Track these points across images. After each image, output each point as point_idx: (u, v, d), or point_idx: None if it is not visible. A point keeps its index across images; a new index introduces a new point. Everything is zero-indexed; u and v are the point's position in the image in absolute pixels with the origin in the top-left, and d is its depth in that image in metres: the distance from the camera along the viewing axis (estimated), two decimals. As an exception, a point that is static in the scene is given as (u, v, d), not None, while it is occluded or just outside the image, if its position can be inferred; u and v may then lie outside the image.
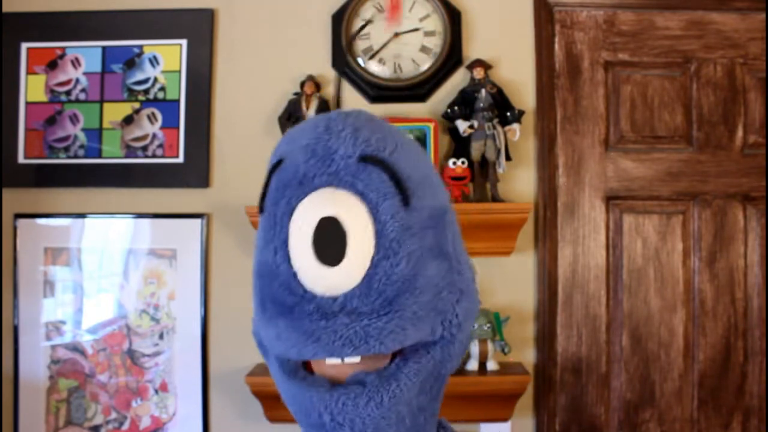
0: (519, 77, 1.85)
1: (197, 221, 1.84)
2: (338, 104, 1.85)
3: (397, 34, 1.82)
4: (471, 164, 1.74)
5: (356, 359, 0.63)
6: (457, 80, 1.85)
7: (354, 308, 0.61)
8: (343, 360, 0.63)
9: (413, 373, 0.65)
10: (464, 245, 0.73)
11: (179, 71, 1.86)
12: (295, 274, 0.63)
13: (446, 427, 0.76)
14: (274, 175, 0.66)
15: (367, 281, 0.62)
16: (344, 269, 0.61)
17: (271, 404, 1.70)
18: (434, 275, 0.66)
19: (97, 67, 1.88)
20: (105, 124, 1.87)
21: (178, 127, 1.85)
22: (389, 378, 0.64)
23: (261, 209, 0.67)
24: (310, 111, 1.75)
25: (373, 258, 0.62)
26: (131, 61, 1.87)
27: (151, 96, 1.87)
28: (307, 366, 0.68)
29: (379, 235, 0.63)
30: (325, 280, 0.61)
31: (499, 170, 1.74)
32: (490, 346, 1.72)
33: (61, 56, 1.89)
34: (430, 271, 0.65)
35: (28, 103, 1.89)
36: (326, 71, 1.86)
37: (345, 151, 0.63)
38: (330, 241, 0.61)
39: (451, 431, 0.77)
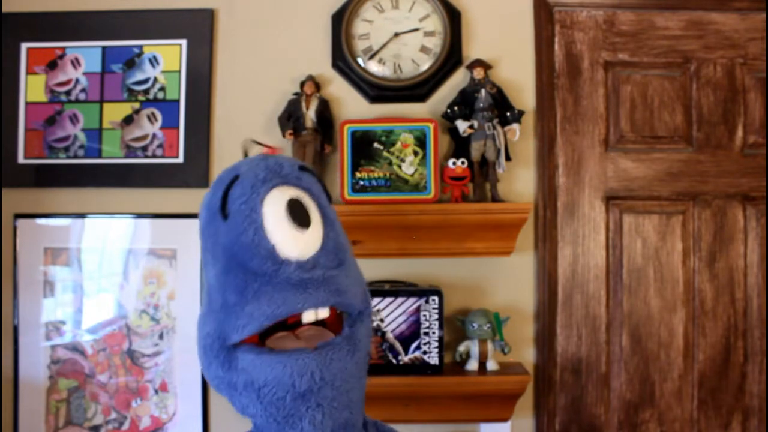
0: (519, 77, 1.85)
1: (197, 221, 1.84)
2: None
3: (397, 34, 1.82)
4: (471, 164, 1.74)
5: (326, 312, 0.85)
6: (457, 80, 1.85)
7: (323, 264, 0.84)
8: (317, 315, 0.84)
9: (362, 332, 0.88)
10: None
11: (179, 71, 1.86)
12: (274, 246, 0.82)
13: (379, 426, 0.97)
14: (235, 185, 0.86)
15: (324, 244, 0.86)
16: (312, 232, 0.84)
17: (271, 404, 1.69)
18: (351, 254, 0.92)
19: (97, 67, 1.88)
20: (105, 124, 1.87)
21: (178, 127, 1.86)
22: (349, 337, 0.85)
23: (225, 215, 0.86)
24: (310, 111, 1.75)
25: (323, 228, 0.87)
26: (131, 61, 1.87)
27: (151, 96, 1.87)
28: None
29: (323, 213, 0.88)
30: (298, 244, 0.83)
31: (499, 170, 1.74)
32: (490, 346, 1.72)
33: (61, 56, 1.89)
34: (348, 250, 0.91)
35: (28, 103, 1.89)
36: (326, 71, 1.86)
37: (288, 164, 0.89)
38: (299, 212, 0.84)
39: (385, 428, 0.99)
